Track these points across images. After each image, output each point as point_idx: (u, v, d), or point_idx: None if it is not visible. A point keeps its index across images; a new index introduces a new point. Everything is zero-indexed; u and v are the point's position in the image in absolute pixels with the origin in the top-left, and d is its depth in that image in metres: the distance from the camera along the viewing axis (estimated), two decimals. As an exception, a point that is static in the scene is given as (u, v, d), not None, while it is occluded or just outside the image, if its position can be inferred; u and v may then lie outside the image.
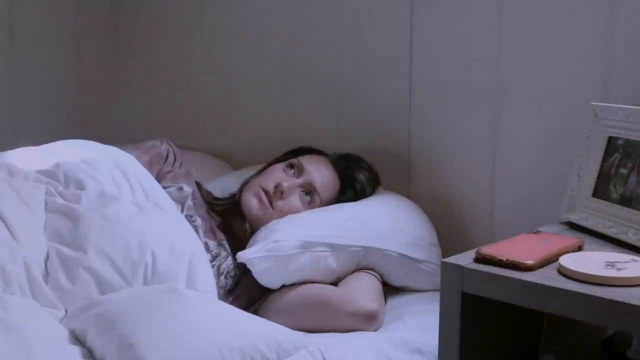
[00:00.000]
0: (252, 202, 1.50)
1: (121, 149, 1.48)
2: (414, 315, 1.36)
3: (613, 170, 1.19)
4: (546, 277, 0.97)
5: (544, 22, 1.46)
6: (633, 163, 1.15)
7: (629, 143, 1.17)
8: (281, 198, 1.49)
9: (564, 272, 0.97)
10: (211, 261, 1.38)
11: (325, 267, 1.38)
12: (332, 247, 1.39)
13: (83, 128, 2.10)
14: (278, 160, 1.61)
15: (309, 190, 1.51)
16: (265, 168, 1.60)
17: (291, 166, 1.54)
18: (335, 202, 1.54)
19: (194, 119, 2.16)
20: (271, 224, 1.44)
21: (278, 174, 1.53)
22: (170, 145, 1.60)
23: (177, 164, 1.58)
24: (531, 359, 1.20)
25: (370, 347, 1.24)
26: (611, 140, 1.21)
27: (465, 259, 1.04)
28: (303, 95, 1.88)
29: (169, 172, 1.55)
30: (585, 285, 0.92)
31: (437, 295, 1.09)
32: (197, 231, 1.41)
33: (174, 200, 1.44)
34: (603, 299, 0.89)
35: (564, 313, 0.94)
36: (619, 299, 0.88)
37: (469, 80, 1.58)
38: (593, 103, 1.27)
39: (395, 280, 1.47)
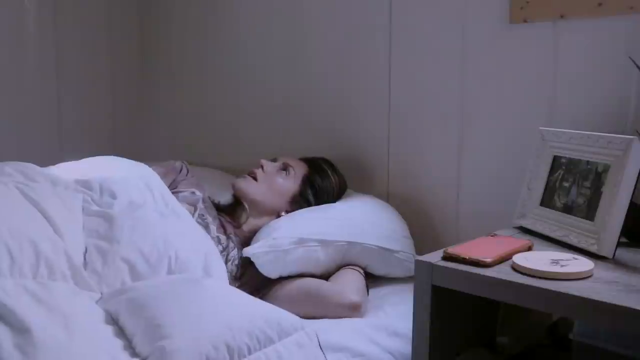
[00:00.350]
0: (239, 182, 1.55)
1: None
2: (393, 304, 1.35)
3: (557, 184, 1.20)
4: (502, 272, 0.97)
5: (500, 66, 1.47)
6: (574, 178, 1.16)
7: (570, 161, 1.18)
8: (263, 171, 1.54)
9: (516, 268, 0.97)
10: (222, 251, 1.38)
11: (315, 259, 1.39)
12: (322, 242, 1.39)
13: (117, 150, 2.12)
14: None
15: (285, 167, 1.56)
16: None
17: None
18: (307, 180, 1.56)
19: (210, 141, 2.16)
20: (272, 223, 1.45)
21: (258, 162, 1.59)
22: (184, 163, 1.63)
23: (189, 176, 1.60)
24: (489, 342, 1.20)
25: (354, 330, 1.23)
26: (556, 159, 1.22)
27: (434, 257, 1.04)
28: (300, 123, 1.88)
29: (183, 180, 1.57)
30: (534, 279, 0.93)
31: (412, 286, 1.09)
32: (208, 227, 1.42)
33: (187, 202, 1.45)
34: (549, 290, 0.89)
35: (516, 302, 0.94)
36: (562, 291, 0.88)
37: (438, 111, 1.59)
38: (541, 128, 1.27)
39: (376, 269, 1.46)
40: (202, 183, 1.62)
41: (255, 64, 2.00)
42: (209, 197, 1.59)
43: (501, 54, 1.47)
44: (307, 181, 1.56)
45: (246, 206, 1.53)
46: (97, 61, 2.23)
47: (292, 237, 1.37)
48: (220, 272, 1.27)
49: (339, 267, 1.43)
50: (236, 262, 1.41)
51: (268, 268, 1.36)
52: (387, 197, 1.69)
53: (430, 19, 1.58)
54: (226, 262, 1.38)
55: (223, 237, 1.44)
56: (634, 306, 0.81)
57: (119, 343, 0.96)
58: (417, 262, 1.04)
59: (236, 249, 1.43)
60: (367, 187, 1.69)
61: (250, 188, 1.53)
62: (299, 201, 1.54)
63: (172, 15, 2.26)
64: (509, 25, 1.44)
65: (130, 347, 0.96)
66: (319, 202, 1.56)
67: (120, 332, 0.99)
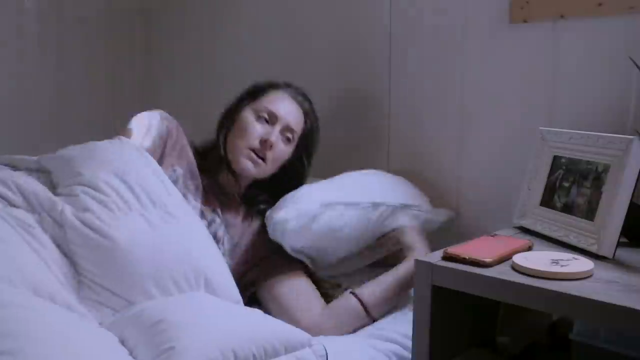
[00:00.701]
0: (248, 165, 1.42)
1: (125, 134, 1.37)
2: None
3: (557, 184, 1.20)
4: (502, 272, 0.97)
5: (500, 66, 1.47)
6: (574, 177, 1.16)
7: (570, 161, 1.18)
8: (270, 150, 1.42)
9: (516, 268, 0.97)
10: (207, 227, 1.33)
11: (341, 227, 1.33)
12: (346, 205, 1.34)
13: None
14: (241, 102, 1.49)
15: (287, 131, 1.45)
16: (234, 119, 1.46)
17: (265, 117, 1.44)
18: (303, 140, 1.49)
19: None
20: (293, 193, 1.36)
21: (258, 129, 1.42)
22: (163, 117, 1.44)
23: (170, 143, 1.41)
24: (489, 341, 1.20)
25: (354, 334, 1.25)
26: (556, 159, 1.22)
27: (434, 257, 1.04)
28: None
29: (166, 156, 1.40)
30: (534, 279, 0.93)
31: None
32: (187, 198, 1.33)
33: None
34: (549, 290, 0.89)
35: (516, 302, 0.94)
36: (562, 290, 0.88)
37: (438, 111, 1.59)
38: (540, 128, 1.27)
39: (398, 224, 1.42)
40: (185, 147, 1.44)
41: (256, 63, 2.00)
42: (192, 143, 1.47)
43: (501, 54, 1.47)
44: (303, 141, 1.50)
45: (242, 178, 1.46)
46: (97, 61, 2.23)
47: (319, 202, 1.31)
48: (228, 294, 1.17)
49: (364, 243, 1.39)
50: (225, 244, 1.36)
51: (292, 238, 1.30)
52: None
53: (430, 19, 1.58)
54: (217, 243, 1.33)
55: (207, 209, 1.37)
56: (634, 306, 0.81)
57: (119, 352, 0.94)
58: (417, 262, 1.04)
59: (223, 226, 1.38)
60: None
61: (260, 171, 1.44)
62: (292, 161, 1.50)
63: (173, 15, 2.26)
64: (509, 25, 1.44)
65: (131, 356, 0.95)
66: (308, 154, 1.52)
67: (121, 343, 0.97)
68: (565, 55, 1.37)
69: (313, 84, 1.84)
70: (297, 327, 1.10)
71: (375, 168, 1.71)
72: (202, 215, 1.36)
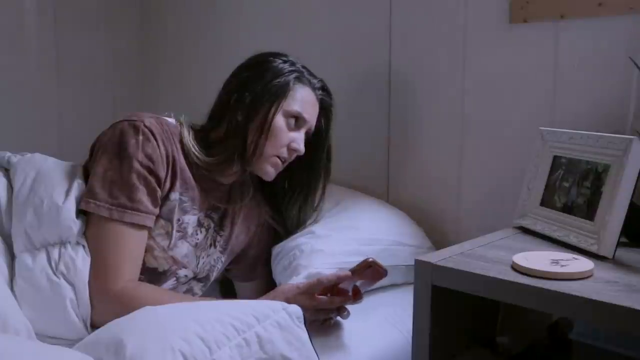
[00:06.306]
0: (270, 172, 1.33)
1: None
2: (389, 305, 1.34)
3: (557, 184, 1.20)
4: (502, 272, 0.97)
5: (500, 66, 1.47)
6: (574, 178, 1.16)
7: (570, 161, 1.18)
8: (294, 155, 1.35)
9: (516, 268, 0.97)
10: (205, 233, 1.32)
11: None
12: None
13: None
14: (271, 101, 1.30)
15: (307, 132, 1.37)
16: (265, 120, 1.30)
17: (294, 120, 1.32)
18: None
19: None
20: (302, 244, 1.35)
21: (288, 135, 1.32)
22: (152, 141, 1.25)
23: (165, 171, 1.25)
24: (489, 341, 1.20)
25: (354, 331, 1.24)
26: (556, 159, 1.22)
27: (434, 257, 1.04)
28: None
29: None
30: (535, 279, 0.92)
31: (407, 287, 1.09)
32: (186, 229, 1.29)
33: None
34: (549, 290, 0.89)
35: (517, 302, 0.94)
36: (562, 291, 0.88)
37: (438, 111, 1.59)
38: (540, 128, 1.27)
39: (399, 281, 1.43)
40: (175, 160, 1.28)
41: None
42: (183, 136, 1.35)
43: (501, 54, 1.47)
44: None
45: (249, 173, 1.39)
46: (97, 61, 2.23)
47: (333, 268, 1.27)
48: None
49: None
50: (221, 242, 1.36)
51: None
52: (387, 197, 1.69)
53: (430, 19, 1.58)
54: (213, 246, 1.34)
55: (201, 215, 1.32)
56: (634, 306, 0.81)
57: None
58: (417, 262, 1.04)
59: (215, 229, 1.35)
60: (367, 187, 1.68)
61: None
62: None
63: (173, 15, 2.26)
64: (509, 25, 1.44)
65: None
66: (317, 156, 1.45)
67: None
68: (565, 55, 1.37)
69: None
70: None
71: (374, 167, 1.71)
72: (200, 224, 1.32)
